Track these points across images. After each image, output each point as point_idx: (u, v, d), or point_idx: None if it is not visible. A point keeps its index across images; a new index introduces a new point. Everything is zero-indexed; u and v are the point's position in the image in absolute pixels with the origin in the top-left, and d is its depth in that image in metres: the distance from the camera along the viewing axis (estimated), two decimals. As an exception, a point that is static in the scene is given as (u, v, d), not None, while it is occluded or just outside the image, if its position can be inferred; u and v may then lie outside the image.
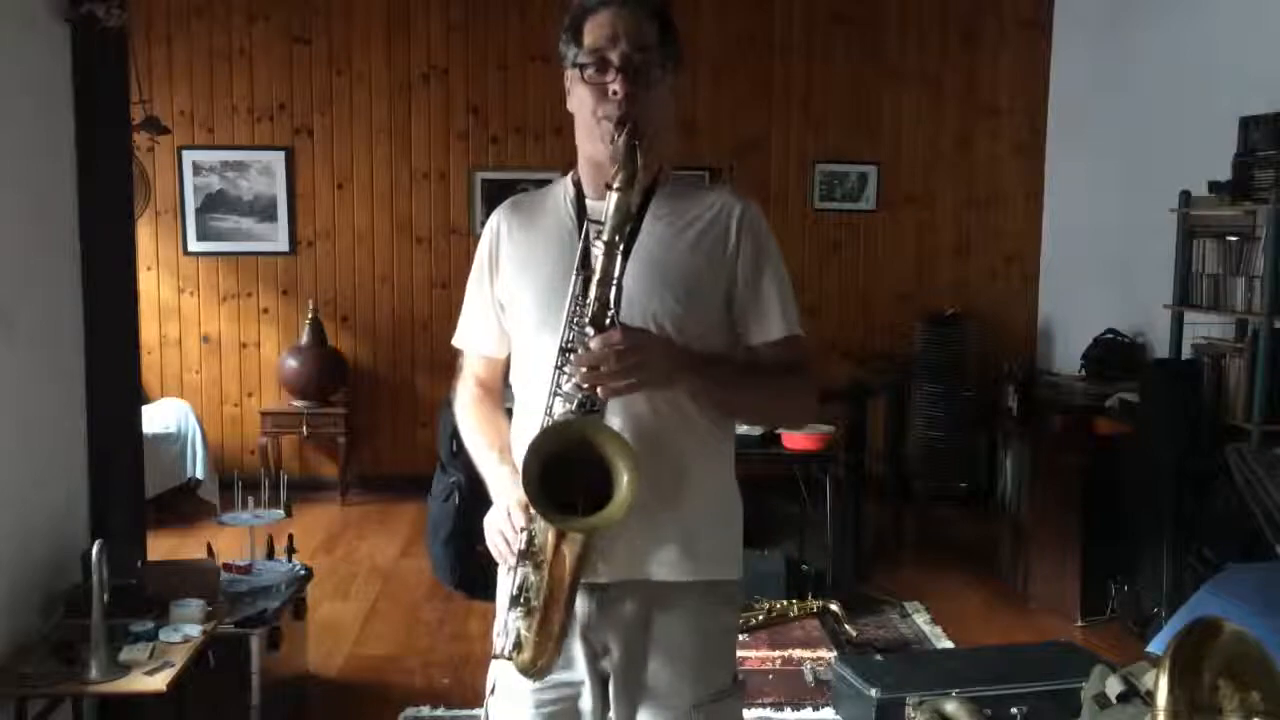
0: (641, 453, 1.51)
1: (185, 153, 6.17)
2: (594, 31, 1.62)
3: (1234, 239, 4.38)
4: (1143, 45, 5.49)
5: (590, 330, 1.50)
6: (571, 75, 1.66)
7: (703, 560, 1.68)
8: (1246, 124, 4.43)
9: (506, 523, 1.62)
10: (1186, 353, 4.62)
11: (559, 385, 1.55)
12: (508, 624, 1.61)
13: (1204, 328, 4.61)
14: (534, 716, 1.70)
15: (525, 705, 1.70)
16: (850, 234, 6.51)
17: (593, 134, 1.63)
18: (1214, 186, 4.49)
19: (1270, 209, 4.11)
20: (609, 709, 1.70)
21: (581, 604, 1.64)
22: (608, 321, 1.50)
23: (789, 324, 1.69)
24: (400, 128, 6.27)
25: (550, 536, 1.55)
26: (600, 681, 1.69)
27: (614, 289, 1.51)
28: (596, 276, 1.50)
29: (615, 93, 1.59)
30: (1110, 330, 5.47)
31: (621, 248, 1.52)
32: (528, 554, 1.58)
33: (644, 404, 1.60)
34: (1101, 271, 5.86)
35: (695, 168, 6.10)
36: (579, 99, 1.65)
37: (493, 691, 1.75)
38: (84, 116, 3.12)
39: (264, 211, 6.27)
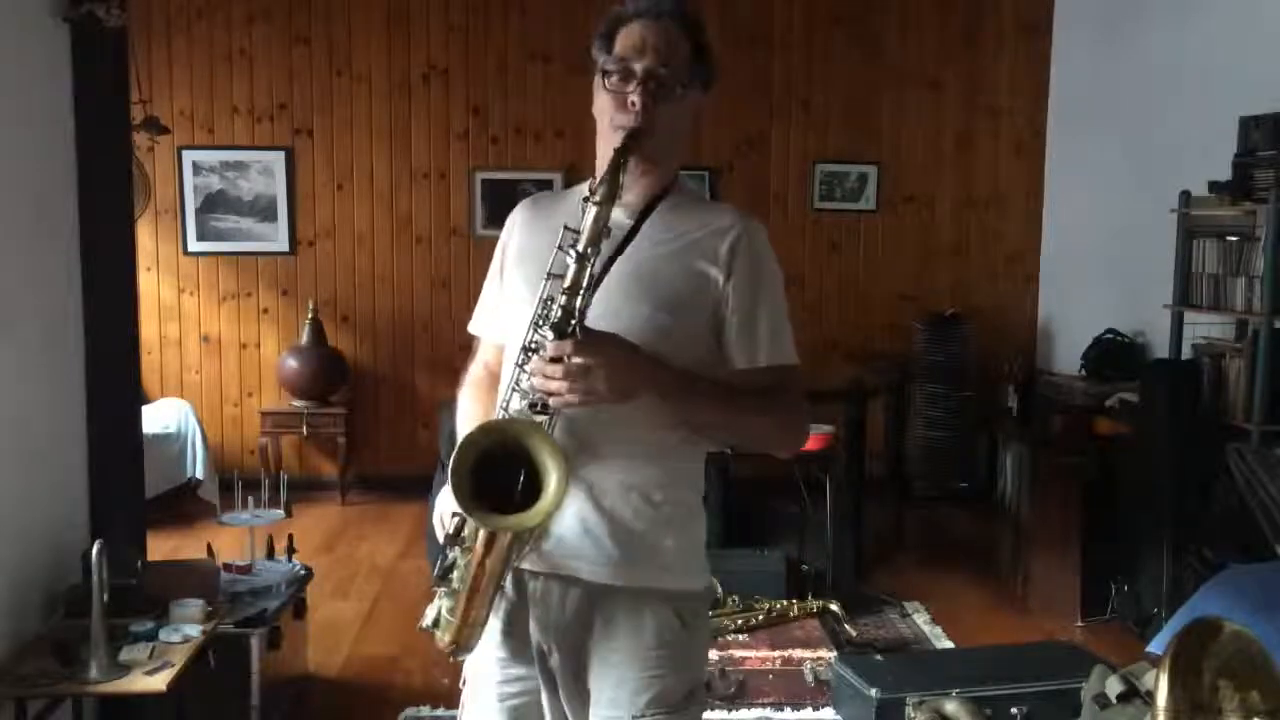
0: (585, 449, 1.53)
1: (185, 153, 6.17)
2: (624, 40, 1.63)
3: (1234, 239, 4.38)
4: (1143, 45, 5.49)
5: (550, 335, 1.51)
6: (597, 81, 1.67)
7: (641, 566, 1.63)
8: (1246, 124, 4.42)
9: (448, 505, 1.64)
10: (1186, 353, 4.61)
11: (517, 382, 1.57)
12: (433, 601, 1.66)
13: (1204, 328, 4.61)
14: (499, 709, 1.74)
15: (490, 697, 1.74)
16: (850, 234, 6.51)
17: (609, 140, 1.64)
18: (1214, 186, 4.49)
19: (1270, 209, 4.10)
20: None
21: (516, 591, 1.67)
22: (570, 330, 1.49)
23: (777, 352, 1.66)
24: (400, 128, 6.27)
25: (479, 527, 1.56)
26: (549, 680, 1.69)
27: (581, 299, 1.51)
28: (566, 284, 1.51)
29: (633, 104, 1.60)
30: (1110, 330, 5.46)
31: (594, 260, 1.52)
32: (456, 539, 1.61)
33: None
34: (1101, 271, 5.86)
35: (695, 168, 6.11)
36: (600, 105, 1.67)
37: (464, 683, 1.80)
38: (84, 116, 3.11)
39: (264, 211, 6.26)
